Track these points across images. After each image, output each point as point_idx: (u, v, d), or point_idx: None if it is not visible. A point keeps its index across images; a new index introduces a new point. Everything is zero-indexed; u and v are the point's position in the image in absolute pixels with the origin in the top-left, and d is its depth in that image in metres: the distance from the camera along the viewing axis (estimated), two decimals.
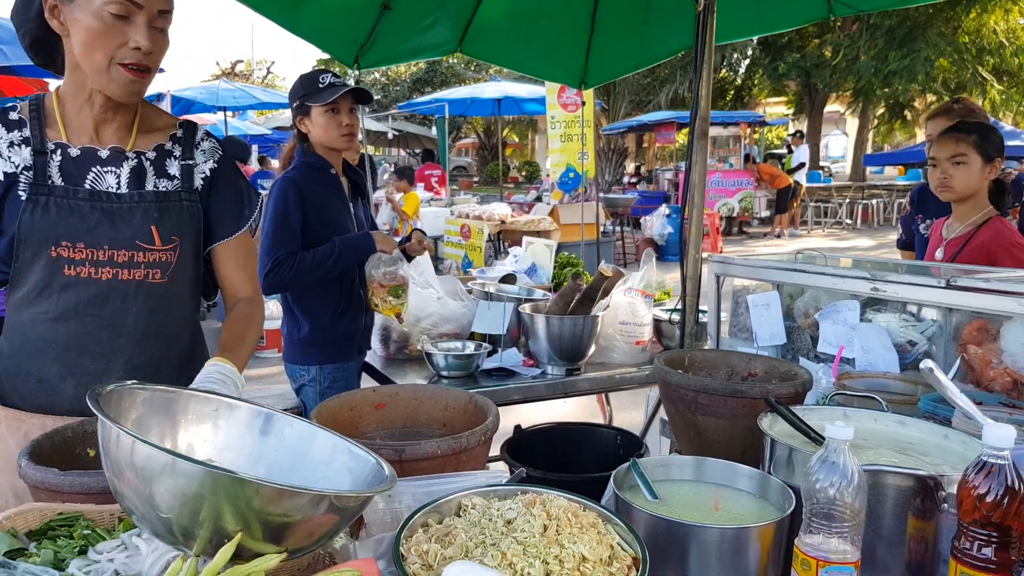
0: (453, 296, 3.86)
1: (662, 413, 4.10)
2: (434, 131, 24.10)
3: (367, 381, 3.58)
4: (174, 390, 1.18)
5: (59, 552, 1.11)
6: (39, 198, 1.75)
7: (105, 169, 1.83)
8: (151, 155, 1.90)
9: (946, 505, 1.42)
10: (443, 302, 3.74)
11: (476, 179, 31.11)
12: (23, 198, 1.75)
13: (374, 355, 3.73)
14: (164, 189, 1.89)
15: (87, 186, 1.80)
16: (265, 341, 8.01)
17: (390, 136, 22.09)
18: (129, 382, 1.12)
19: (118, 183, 1.84)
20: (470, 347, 3.47)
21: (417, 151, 25.67)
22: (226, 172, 2.02)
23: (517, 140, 39.49)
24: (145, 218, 1.84)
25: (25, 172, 1.77)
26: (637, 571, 1.11)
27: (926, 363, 1.76)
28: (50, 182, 1.77)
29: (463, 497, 1.26)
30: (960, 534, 1.32)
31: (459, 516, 1.23)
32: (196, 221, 1.94)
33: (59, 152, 1.80)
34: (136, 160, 1.87)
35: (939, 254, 3.26)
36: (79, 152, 1.82)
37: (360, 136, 3.94)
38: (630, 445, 2.48)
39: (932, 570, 1.47)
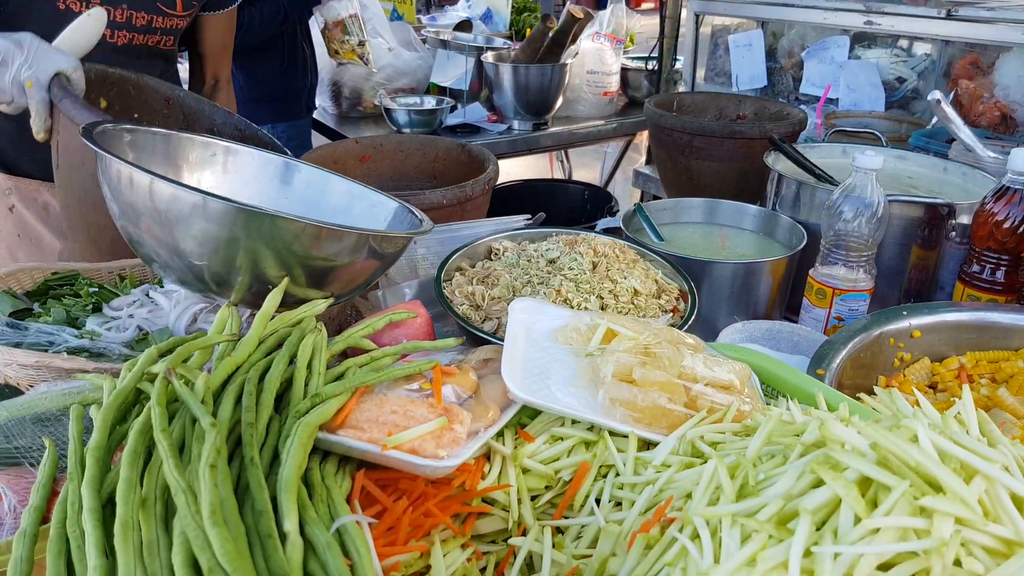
0: (406, 46, 3.57)
1: (625, 165, 4.09)
2: None
3: (319, 139, 3.40)
4: (168, 132, 1.04)
5: (70, 311, 1.03)
6: None
7: None
8: None
9: (954, 234, 1.45)
10: (396, 53, 3.46)
11: None
12: None
13: (324, 113, 3.51)
14: None
15: None
16: None
17: None
18: (122, 123, 0.97)
19: None
20: (431, 102, 3.28)
21: None
22: None
23: None
24: None
25: None
26: (686, 303, 1.10)
27: (933, 94, 1.72)
28: None
29: (492, 241, 1.20)
30: (971, 259, 1.36)
31: (491, 260, 1.18)
32: None
33: None
34: None
35: None
36: None
37: None
38: (598, 199, 2.46)
39: (929, 298, 1.54)
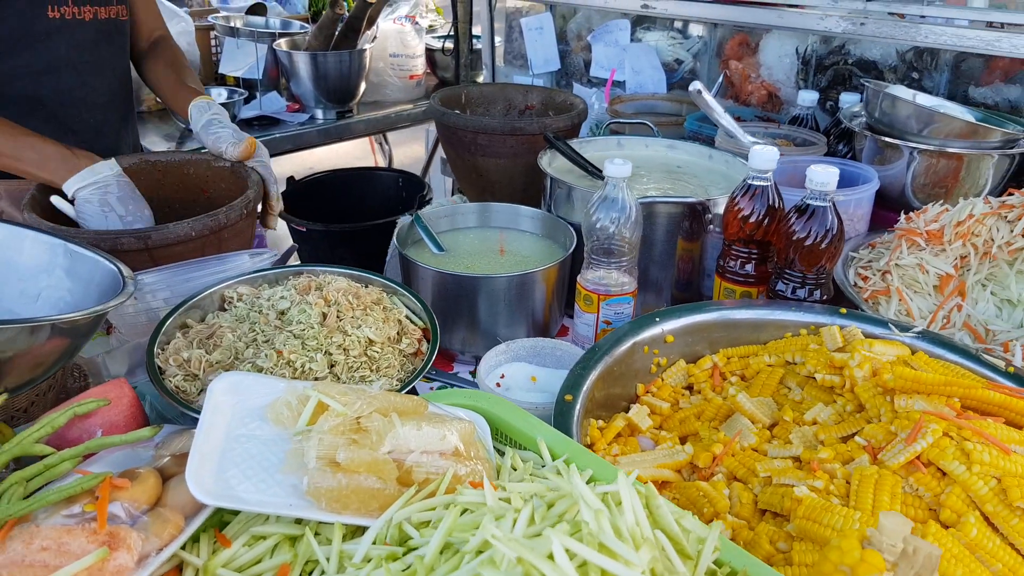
0: (184, 34, 3.30)
1: (442, 151, 4.01)
2: None
3: None
4: None
5: None
6: None
7: None
8: None
9: (712, 226, 1.50)
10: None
11: None
12: None
13: None
14: None
15: None
16: None
17: None
18: None
19: None
20: (223, 94, 3.06)
21: None
22: None
23: None
24: None
25: None
26: (428, 342, 1.06)
27: (695, 85, 1.76)
28: None
29: (225, 288, 1.11)
30: (725, 254, 1.41)
31: (224, 311, 1.08)
32: None
33: None
34: None
35: None
36: None
37: None
38: (413, 187, 2.39)
39: (698, 285, 1.59)
